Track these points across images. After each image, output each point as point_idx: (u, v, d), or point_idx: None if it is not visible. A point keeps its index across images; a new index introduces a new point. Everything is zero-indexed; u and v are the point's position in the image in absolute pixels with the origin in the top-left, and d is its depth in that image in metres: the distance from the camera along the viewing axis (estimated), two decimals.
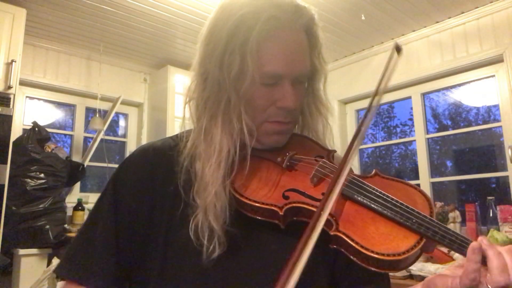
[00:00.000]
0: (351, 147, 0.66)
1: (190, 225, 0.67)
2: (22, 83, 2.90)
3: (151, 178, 0.73)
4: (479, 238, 0.55)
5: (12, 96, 2.44)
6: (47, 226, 2.61)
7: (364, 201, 0.63)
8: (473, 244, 0.54)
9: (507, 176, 2.56)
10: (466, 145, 3.09)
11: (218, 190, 0.66)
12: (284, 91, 0.69)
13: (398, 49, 0.74)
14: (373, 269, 0.57)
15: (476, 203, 2.53)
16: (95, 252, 0.70)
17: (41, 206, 2.62)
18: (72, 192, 3.24)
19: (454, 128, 3.08)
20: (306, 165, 0.72)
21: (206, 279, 0.67)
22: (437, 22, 2.87)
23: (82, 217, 3.03)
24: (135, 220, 0.72)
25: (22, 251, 2.54)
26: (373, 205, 0.62)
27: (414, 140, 3.11)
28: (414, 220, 0.58)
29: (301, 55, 0.71)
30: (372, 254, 0.56)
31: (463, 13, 2.74)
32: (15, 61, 2.47)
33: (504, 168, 2.66)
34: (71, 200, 3.12)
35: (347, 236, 0.59)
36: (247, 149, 0.70)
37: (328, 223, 0.61)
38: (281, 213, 0.64)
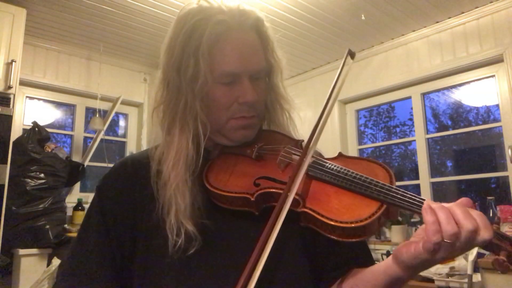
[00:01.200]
0: (313, 133, 0.72)
1: (166, 224, 0.70)
2: (22, 83, 2.90)
3: (130, 186, 0.78)
4: (426, 201, 0.58)
5: (12, 96, 2.44)
6: (47, 226, 2.61)
7: (327, 178, 0.67)
8: (424, 205, 0.57)
9: (507, 176, 2.56)
10: (466, 145, 3.09)
11: (179, 184, 0.71)
12: (243, 87, 0.74)
13: (351, 54, 0.83)
14: (342, 239, 0.61)
15: (476, 203, 2.53)
16: (90, 261, 0.74)
17: (41, 206, 2.62)
18: (72, 192, 3.24)
19: (454, 128, 3.08)
20: (273, 153, 0.76)
21: (186, 274, 0.70)
22: (437, 22, 2.88)
23: (82, 217, 3.01)
24: (121, 228, 0.76)
25: (22, 251, 2.54)
26: (334, 180, 0.66)
27: (414, 140, 3.11)
28: (373, 189, 0.62)
29: (253, 53, 0.76)
30: (337, 224, 0.60)
31: (463, 13, 2.74)
32: (15, 61, 2.47)
33: (504, 168, 2.66)
34: (71, 200, 3.12)
35: (313, 211, 0.63)
36: (201, 146, 0.75)
37: (295, 202, 0.65)
38: (252, 199, 0.68)
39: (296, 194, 0.65)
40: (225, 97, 0.75)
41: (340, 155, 0.75)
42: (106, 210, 0.77)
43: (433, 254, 0.56)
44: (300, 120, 0.88)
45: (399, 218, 2.75)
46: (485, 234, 0.54)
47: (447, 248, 0.55)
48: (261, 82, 0.79)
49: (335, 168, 0.68)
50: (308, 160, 0.69)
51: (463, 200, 0.59)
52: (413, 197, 0.59)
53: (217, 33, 0.73)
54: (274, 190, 0.68)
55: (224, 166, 0.77)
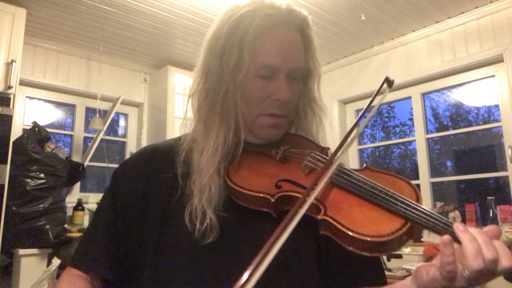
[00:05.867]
0: (343, 142, 0.71)
1: (185, 211, 0.71)
2: (22, 83, 2.90)
3: (147, 171, 0.80)
4: (455, 224, 0.55)
5: (12, 96, 2.44)
6: (47, 226, 2.61)
7: (352, 188, 0.66)
8: (444, 238, 0.54)
9: (507, 176, 2.56)
10: (466, 145, 3.09)
11: (213, 173, 0.72)
12: (279, 84, 0.74)
13: (389, 82, 0.81)
14: (360, 252, 0.58)
15: (476, 203, 2.53)
16: (96, 243, 0.77)
17: (41, 206, 2.62)
18: (72, 192, 3.24)
19: (454, 128, 3.08)
20: (298, 157, 0.75)
21: (199, 263, 0.70)
22: (437, 22, 2.88)
23: (82, 217, 3.03)
24: (130, 211, 0.77)
25: (22, 251, 2.53)
26: (360, 192, 0.64)
27: (414, 140, 3.11)
28: (399, 205, 0.60)
29: (295, 51, 0.77)
30: (357, 236, 0.58)
31: (463, 13, 2.74)
32: (15, 61, 2.47)
33: (504, 168, 2.66)
34: (71, 200, 3.12)
35: (334, 220, 0.61)
36: (241, 137, 0.75)
37: (316, 208, 0.64)
38: (272, 200, 0.67)
39: (318, 200, 0.64)
40: (259, 90, 0.75)
41: (367, 167, 0.73)
42: (117, 194, 0.79)
43: (450, 281, 0.54)
44: (330, 127, 0.88)
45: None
46: (505, 263, 0.52)
47: (466, 278, 0.53)
48: (296, 84, 0.79)
49: (361, 179, 0.66)
50: (333, 167, 0.67)
51: (491, 228, 0.56)
52: (440, 218, 0.57)
53: (263, 25, 0.73)
54: (295, 194, 0.67)
55: (247, 163, 0.76)
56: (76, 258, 0.78)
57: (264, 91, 0.75)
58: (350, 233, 0.58)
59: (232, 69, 0.74)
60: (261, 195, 0.68)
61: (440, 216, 0.58)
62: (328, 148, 0.80)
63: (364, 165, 0.74)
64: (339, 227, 0.60)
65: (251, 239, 0.71)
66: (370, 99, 0.81)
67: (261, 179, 0.72)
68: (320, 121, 0.85)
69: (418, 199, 0.62)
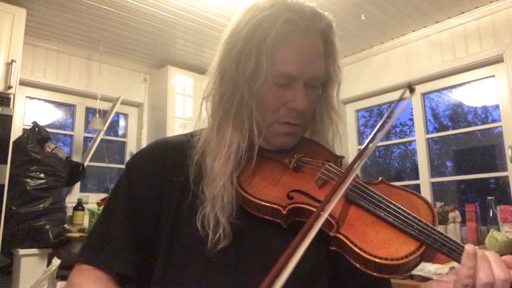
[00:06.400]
0: (360, 155, 0.68)
1: (197, 215, 0.69)
2: (22, 83, 2.90)
3: (162, 167, 0.77)
4: (467, 247, 0.56)
5: (12, 96, 2.44)
6: (47, 226, 2.61)
7: (366, 205, 0.63)
8: (468, 249, 0.54)
9: (507, 176, 2.56)
10: (466, 145, 3.09)
11: (225, 182, 0.69)
12: (296, 93, 0.71)
13: (411, 89, 0.77)
14: (371, 272, 0.57)
15: (476, 203, 2.53)
16: (113, 237, 0.73)
17: (41, 206, 2.62)
18: (72, 192, 3.24)
19: (454, 128, 3.08)
20: (312, 167, 0.73)
21: (210, 269, 0.69)
22: (437, 22, 2.88)
23: (82, 217, 3.03)
24: (146, 208, 0.75)
25: (22, 251, 2.53)
26: (375, 210, 0.62)
27: (414, 140, 3.11)
28: (415, 227, 0.58)
29: (315, 59, 0.73)
30: (370, 258, 0.56)
31: (463, 13, 2.74)
32: (15, 61, 2.47)
33: (504, 168, 2.65)
34: (71, 200, 3.12)
35: (347, 238, 0.59)
36: (255, 147, 0.73)
37: (329, 224, 0.61)
38: (284, 212, 0.65)
39: (332, 216, 0.62)
40: (275, 98, 0.72)
41: (382, 181, 0.70)
42: (134, 187, 0.76)
43: None
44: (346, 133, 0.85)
45: None
46: None
47: None
48: (314, 91, 0.76)
49: (377, 197, 0.64)
50: (348, 182, 0.65)
51: (508, 258, 0.56)
52: (455, 243, 0.56)
53: (284, 32, 0.70)
54: (306, 206, 0.65)
55: (260, 171, 0.74)
56: (88, 253, 0.73)
57: (280, 99, 0.72)
58: (362, 253, 0.57)
59: (249, 76, 0.71)
60: (273, 205, 0.66)
61: (455, 241, 0.57)
62: (343, 157, 0.78)
63: (380, 178, 0.71)
64: (352, 246, 0.58)
65: (262, 248, 0.70)
66: (390, 108, 0.77)
67: (273, 189, 0.70)
68: (336, 128, 0.83)
69: (434, 219, 0.61)
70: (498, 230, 2.20)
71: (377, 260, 0.56)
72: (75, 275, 0.73)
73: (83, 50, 3.29)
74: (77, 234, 2.78)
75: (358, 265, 0.58)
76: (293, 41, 0.71)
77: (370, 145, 0.71)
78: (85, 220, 3.04)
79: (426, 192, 2.95)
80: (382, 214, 0.61)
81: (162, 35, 3.03)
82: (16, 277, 2.53)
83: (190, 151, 0.75)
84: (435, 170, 3.06)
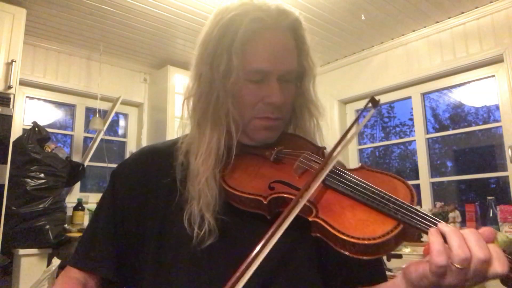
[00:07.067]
0: (338, 144, 0.71)
1: (184, 214, 0.71)
2: (22, 83, 2.90)
3: (145, 173, 0.80)
4: (439, 224, 0.55)
5: (12, 96, 2.44)
6: (47, 226, 2.61)
7: (344, 189, 0.65)
8: (431, 229, 0.54)
9: (507, 176, 2.56)
10: (466, 145, 3.09)
11: (208, 178, 0.72)
12: (271, 88, 0.74)
13: (374, 102, 0.81)
14: (352, 255, 0.57)
15: (476, 203, 2.53)
16: (97, 243, 0.78)
17: (41, 206, 2.62)
18: (72, 192, 3.24)
19: (454, 128, 3.08)
20: (292, 158, 0.75)
21: (199, 266, 0.70)
22: (437, 22, 2.88)
23: (82, 217, 3.03)
24: (130, 213, 0.78)
25: (22, 251, 2.54)
26: (352, 193, 0.64)
27: (414, 140, 3.11)
28: (391, 206, 0.59)
29: (286, 54, 0.76)
30: (348, 239, 0.57)
31: (463, 13, 2.74)
32: (15, 61, 2.47)
33: (504, 168, 2.65)
34: (71, 200, 3.13)
35: (325, 222, 0.60)
36: (233, 143, 0.75)
37: (308, 210, 0.63)
38: (265, 202, 0.67)
39: (310, 202, 0.64)
40: (251, 95, 0.75)
41: (362, 167, 0.72)
42: (116, 195, 0.80)
43: (439, 278, 0.53)
44: (328, 126, 0.87)
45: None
46: (498, 267, 0.51)
47: (455, 275, 0.52)
48: (290, 85, 0.79)
49: (353, 180, 0.65)
50: (327, 168, 0.66)
51: (486, 230, 0.55)
52: (434, 220, 0.56)
53: (252, 30, 0.72)
54: (287, 195, 0.67)
55: (241, 165, 0.76)
56: (76, 258, 0.78)
57: (256, 95, 0.75)
58: (340, 235, 0.58)
59: (222, 75, 0.73)
60: (254, 197, 0.68)
61: (433, 217, 0.56)
62: (325, 148, 0.79)
63: (360, 164, 0.73)
64: (330, 229, 0.59)
65: (249, 242, 0.69)
66: (355, 119, 0.80)
67: (255, 181, 0.72)
68: (317, 121, 0.85)
69: (413, 199, 0.61)
70: (498, 230, 2.20)
71: (354, 240, 0.56)
72: (61, 276, 0.79)
73: (83, 50, 3.29)
74: (77, 234, 2.78)
75: (338, 248, 0.59)
76: (262, 38, 0.73)
77: (348, 135, 0.73)
78: (85, 220, 3.04)
79: (426, 192, 2.95)
80: (359, 197, 0.62)
81: (162, 35, 3.03)
82: (16, 277, 2.53)
83: (176, 153, 0.78)
84: (435, 170, 3.06)
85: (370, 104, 0.81)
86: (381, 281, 0.73)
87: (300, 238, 0.69)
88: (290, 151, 0.76)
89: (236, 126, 0.75)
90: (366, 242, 0.56)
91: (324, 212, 0.62)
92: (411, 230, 0.58)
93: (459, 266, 0.51)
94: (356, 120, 0.78)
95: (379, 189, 0.62)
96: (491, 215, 2.34)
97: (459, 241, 0.52)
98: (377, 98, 0.82)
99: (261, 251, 0.56)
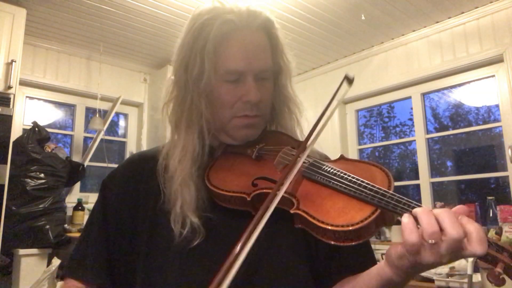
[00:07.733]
0: (310, 134, 0.72)
1: (170, 216, 0.73)
2: (22, 83, 2.90)
3: (135, 180, 0.82)
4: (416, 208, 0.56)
5: (12, 96, 2.44)
6: (47, 226, 2.61)
7: (322, 180, 0.67)
8: (405, 215, 0.55)
9: (507, 176, 2.56)
10: (466, 145, 3.09)
11: (184, 178, 0.74)
12: (247, 86, 0.76)
13: (349, 80, 0.82)
14: (334, 242, 0.59)
15: (476, 203, 2.53)
16: (89, 252, 0.79)
17: (41, 206, 2.62)
18: (72, 192, 3.24)
19: (454, 128, 3.08)
20: (273, 154, 0.77)
21: (187, 265, 0.71)
22: (437, 22, 2.88)
23: (82, 217, 3.03)
24: (120, 220, 0.79)
25: (22, 251, 2.53)
26: (330, 183, 0.65)
27: (414, 140, 3.11)
28: (368, 193, 0.60)
29: (259, 52, 0.77)
30: (327, 227, 0.59)
31: (463, 13, 2.74)
32: (15, 61, 2.47)
33: (504, 168, 2.65)
34: (71, 200, 3.12)
35: (306, 213, 0.62)
36: (205, 142, 0.78)
37: (289, 202, 0.65)
38: (248, 199, 0.69)
39: (291, 194, 0.66)
40: (229, 94, 0.76)
41: (342, 157, 0.74)
42: (107, 204, 0.81)
43: (415, 256, 0.55)
44: (307, 122, 0.87)
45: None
46: (476, 248, 0.51)
47: (429, 251, 0.53)
48: (267, 83, 0.80)
49: (331, 170, 0.67)
50: (302, 159, 0.68)
51: (459, 208, 0.56)
52: (409, 203, 0.58)
53: (223, 32, 0.74)
54: (269, 190, 0.67)
55: (225, 165, 0.78)
56: (71, 268, 0.79)
57: (234, 94, 0.76)
58: (321, 225, 0.59)
59: (195, 78, 0.76)
60: (238, 195, 0.70)
61: (409, 200, 0.58)
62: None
63: (340, 155, 0.75)
64: (310, 219, 0.61)
65: (236, 239, 0.71)
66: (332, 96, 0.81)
67: (239, 179, 0.74)
68: (296, 117, 0.87)
69: (390, 184, 0.63)
70: (500, 230, 2.20)
71: (333, 228, 0.58)
72: None
73: (83, 50, 3.29)
74: (77, 234, 2.78)
75: (320, 237, 0.61)
76: (234, 39, 0.75)
77: (320, 123, 0.74)
78: (85, 220, 3.03)
79: (426, 192, 2.95)
80: (338, 186, 0.64)
81: (162, 35, 3.03)
82: (16, 277, 2.53)
83: (158, 157, 0.80)
84: (435, 170, 3.06)
85: (345, 83, 0.83)
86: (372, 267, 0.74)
87: (285, 230, 0.71)
88: (271, 148, 0.78)
89: (208, 127, 0.78)
90: (345, 228, 0.58)
91: (304, 203, 0.64)
92: (390, 214, 0.60)
93: (430, 241, 0.52)
94: (329, 104, 0.78)
95: (357, 177, 0.64)
96: (491, 215, 2.34)
97: (427, 218, 0.53)
98: (351, 75, 0.83)
99: (243, 247, 0.57)
